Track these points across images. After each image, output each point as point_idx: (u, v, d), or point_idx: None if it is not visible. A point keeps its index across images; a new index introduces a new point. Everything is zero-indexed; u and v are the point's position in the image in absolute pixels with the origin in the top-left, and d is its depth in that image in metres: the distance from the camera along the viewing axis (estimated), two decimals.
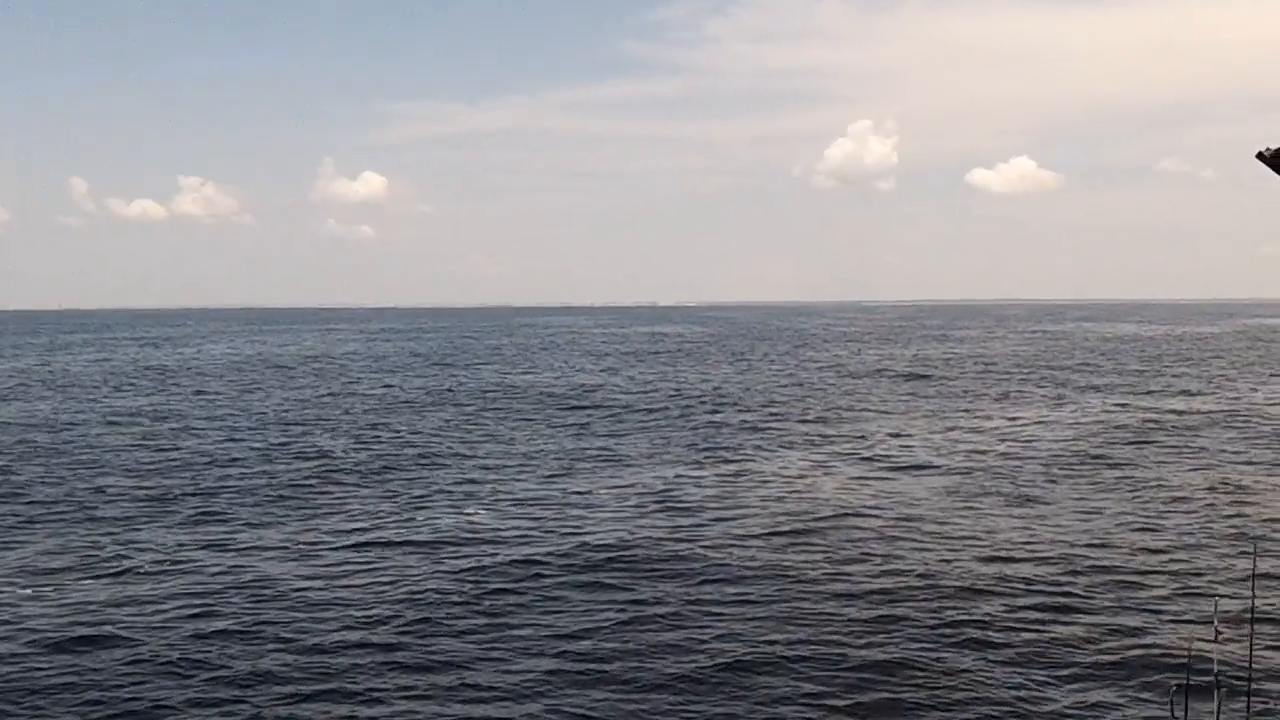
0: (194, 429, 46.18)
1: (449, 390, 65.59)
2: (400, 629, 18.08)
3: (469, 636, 17.79)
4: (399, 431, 45.11)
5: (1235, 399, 54.84)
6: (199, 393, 64.77)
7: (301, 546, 24.14)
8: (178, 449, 39.79)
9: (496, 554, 23.04)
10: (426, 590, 20.29)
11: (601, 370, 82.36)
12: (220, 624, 18.52)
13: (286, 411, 53.45)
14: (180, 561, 22.82)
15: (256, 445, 41.00)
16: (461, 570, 21.86)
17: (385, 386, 69.29)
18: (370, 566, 22.29)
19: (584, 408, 53.89)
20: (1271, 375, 70.62)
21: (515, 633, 17.94)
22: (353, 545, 24.22)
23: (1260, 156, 4.66)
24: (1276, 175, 4.58)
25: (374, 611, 18.91)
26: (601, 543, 24.03)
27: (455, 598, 19.96)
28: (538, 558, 22.65)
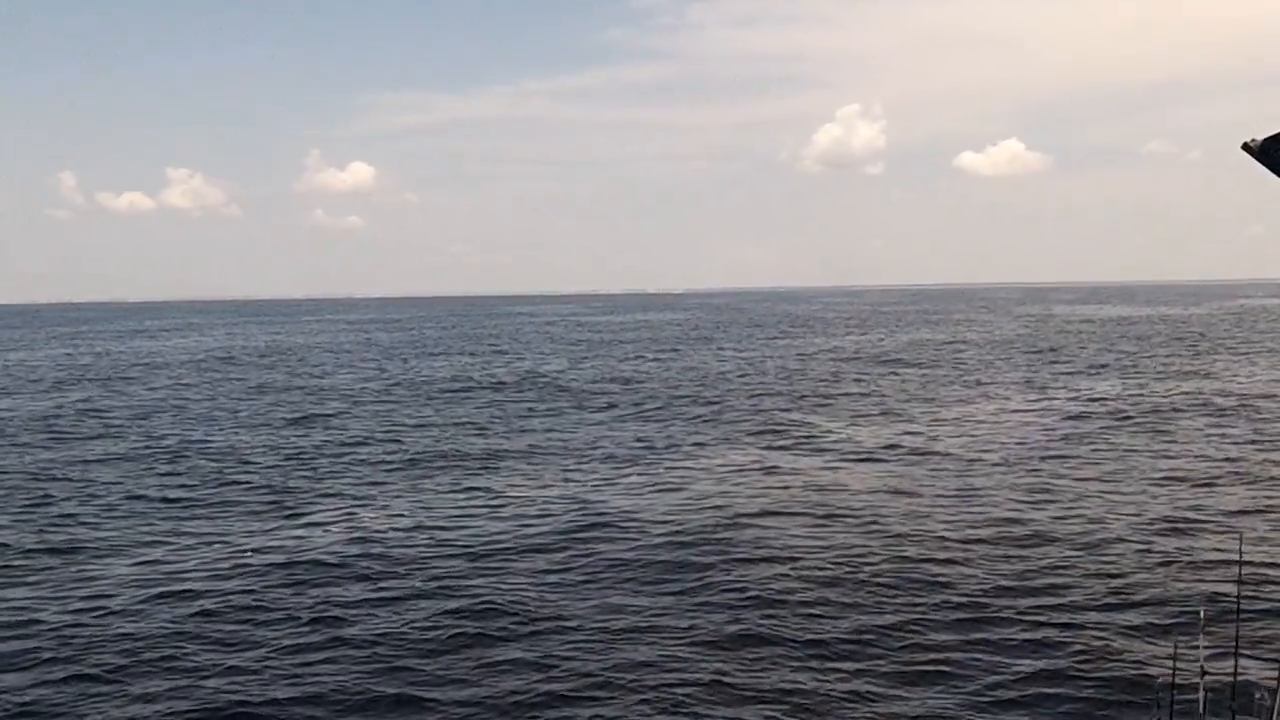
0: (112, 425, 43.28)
1: (396, 383, 62.75)
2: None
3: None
4: (321, 435, 42.19)
5: (1213, 382, 52.18)
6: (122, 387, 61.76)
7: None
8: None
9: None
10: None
11: (558, 358, 79.59)
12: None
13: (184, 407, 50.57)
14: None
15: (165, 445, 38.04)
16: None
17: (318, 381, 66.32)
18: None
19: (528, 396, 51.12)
20: (1251, 357, 67.96)
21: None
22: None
23: (1245, 147, 4.39)
24: (1263, 166, 4.28)
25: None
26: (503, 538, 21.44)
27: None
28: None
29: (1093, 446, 33.41)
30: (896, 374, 61.44)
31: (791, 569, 19.71)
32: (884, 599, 18.03)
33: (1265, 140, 4.32)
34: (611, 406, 47.63)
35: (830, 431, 38.21)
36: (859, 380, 57.96)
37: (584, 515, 24.76)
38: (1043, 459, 31.19)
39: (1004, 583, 18.73)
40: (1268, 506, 24.74)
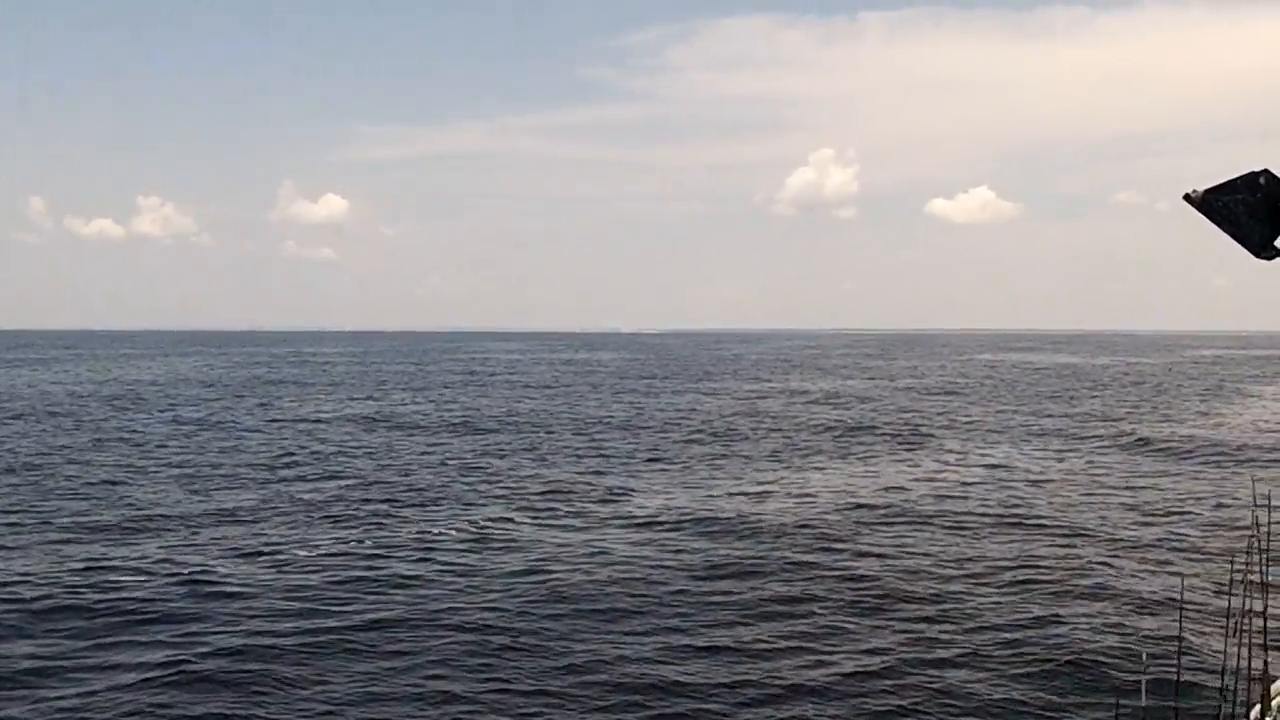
0: None
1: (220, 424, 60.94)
2: None
3: None
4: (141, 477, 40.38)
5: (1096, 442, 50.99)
6: None
7: None
8: None
9: None
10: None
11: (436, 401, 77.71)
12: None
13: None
14: None
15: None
16: None
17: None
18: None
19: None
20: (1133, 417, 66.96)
21: None
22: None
23: (1187, 198, 4.34)
24: (1204, 216, 4.22)
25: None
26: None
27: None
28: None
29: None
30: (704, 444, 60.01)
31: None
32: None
33: (1206, 191, 4.29)
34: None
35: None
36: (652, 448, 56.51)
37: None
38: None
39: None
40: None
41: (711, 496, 34.90)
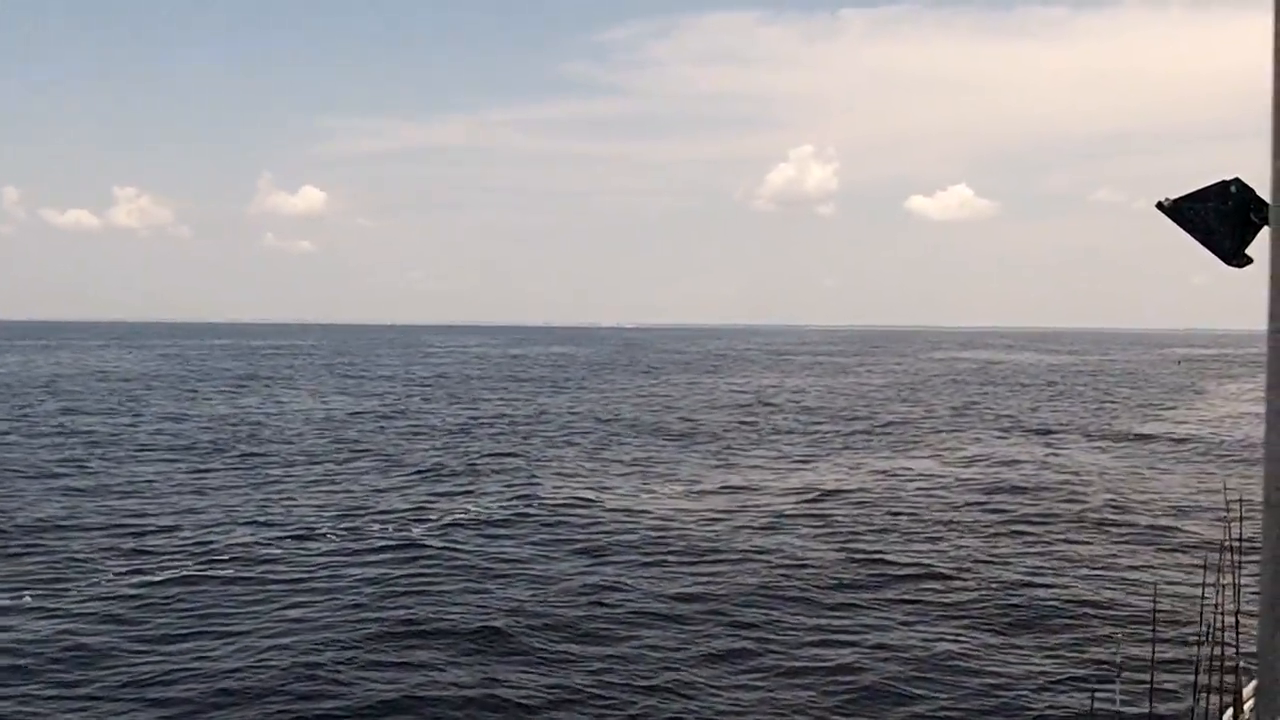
0: None
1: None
2: None
3: None
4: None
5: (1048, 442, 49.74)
6: None
7: None
8: None
9: None
10: None
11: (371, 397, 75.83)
12: None
13: None
14: None
15: None
16: None
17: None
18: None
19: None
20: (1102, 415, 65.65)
21: None
22: None
23: (1160, 206, 4.38)
24: (1176, 224, 4.31)
25: None
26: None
27: None
28: None
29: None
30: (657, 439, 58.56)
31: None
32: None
33: (1178, 200, 4.32)
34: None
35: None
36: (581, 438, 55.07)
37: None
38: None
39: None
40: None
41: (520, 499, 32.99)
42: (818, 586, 22.24)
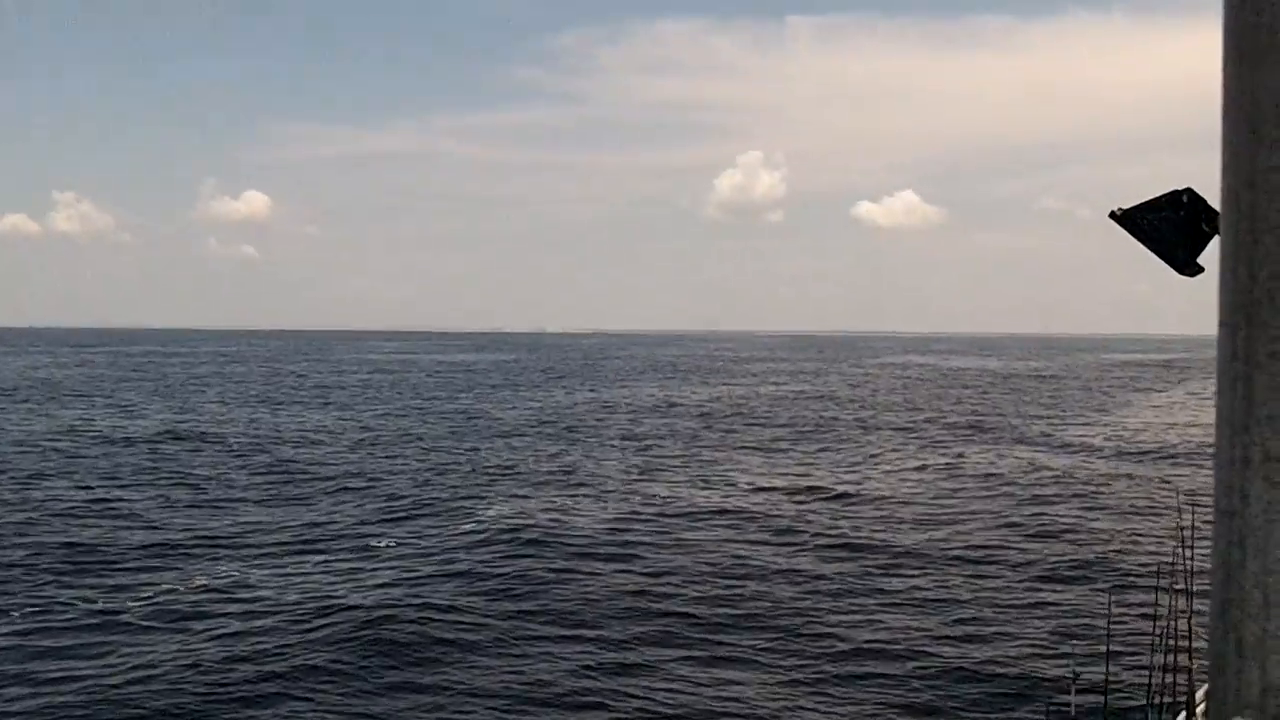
0: None
1: None
2: None
3: None
4: None
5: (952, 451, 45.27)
6: None
7: None
8: None
9: None
10: None
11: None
12: None
13: None
14: None
15: None
16: None
17: None
18: None
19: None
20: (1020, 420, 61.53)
21: None
22: None
23: (1112, 216, 4.50)
24: (1128, 233, 4.44)
25: None
26: None
27: None
28: None
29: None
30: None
31: None
32: None
33: (1130, 209, 4.45)
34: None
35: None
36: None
37: None
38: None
39: None
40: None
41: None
42: (758, 596, 21.90)
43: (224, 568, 24.55)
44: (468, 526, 28.72)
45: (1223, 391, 0.86)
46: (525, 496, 33.74)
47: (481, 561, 24.70)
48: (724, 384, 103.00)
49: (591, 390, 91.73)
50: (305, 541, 27.58)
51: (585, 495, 34.06)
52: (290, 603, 21.44)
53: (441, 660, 18.15)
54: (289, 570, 24.36)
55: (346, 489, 35.69)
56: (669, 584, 22.87)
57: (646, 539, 27.32)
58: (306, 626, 19.94)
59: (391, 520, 30.21)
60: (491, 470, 39.55)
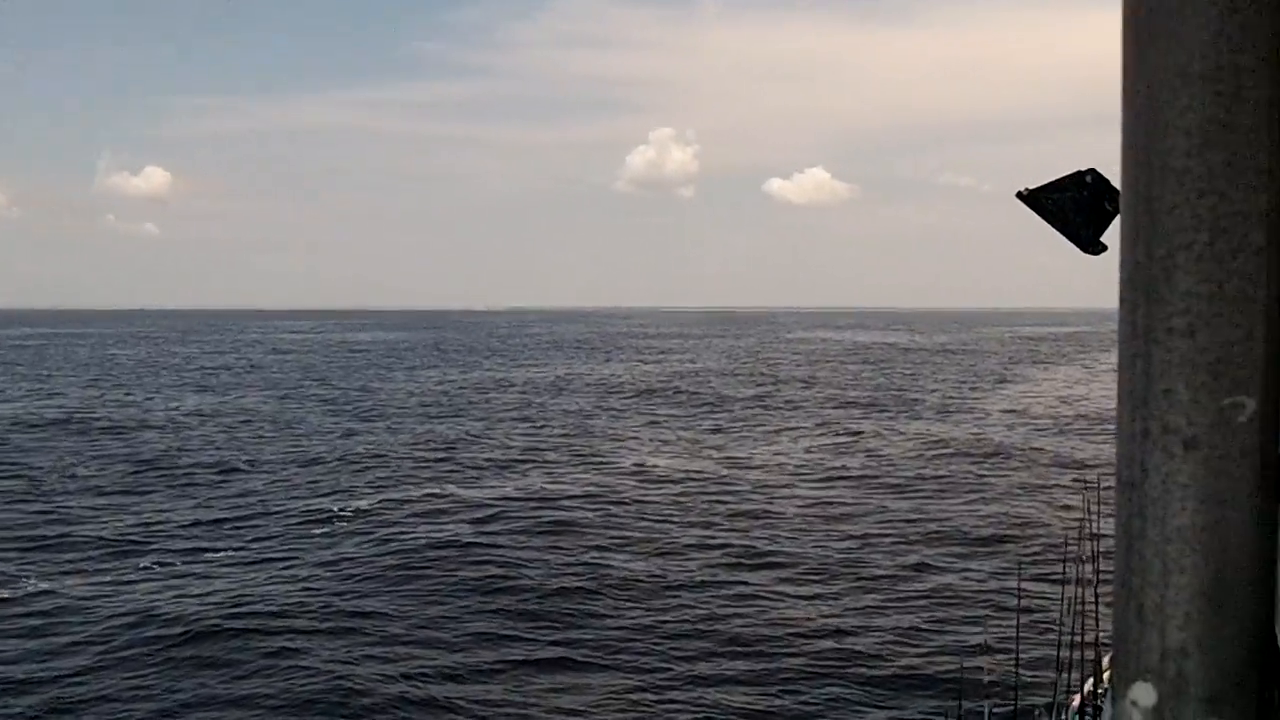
0: None
1: None
2: None
3: None
4: None
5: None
6: None
7: None
8: None
9: None
10: None
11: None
12: None
13: None
14: None
15: None
16: None
17: None
18: None
19: None
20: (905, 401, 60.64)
21: None
22: None
23: (1019, 195, 4.47)
24: (1035, 213, 4.45)
25: None
26: None
27: None
28: None
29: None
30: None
31: None
32: None
33: (1036, 189, 4.44)
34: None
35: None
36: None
37: None
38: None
39: None
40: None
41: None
42: (661, 570, 21.77)
43: (31, 573, 22.00)
44: (320, 524, 26.49)
45: (1123, 367, 0.93)
46: (390, 487, 31.46)
47: (326, 564, 22.68)
48: (628, 360, 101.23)
49: (490, 369, 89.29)
50: (133, 543, 25.06)
51: (456, 484, 31.91)
52: (100, 615, 19.21)
53: (259, 673, 16.38)
54: (107, 577, 21.88)
55: (198, 482, 33.12)
56: (527, 577, 21.37)
57: (511, 528, 25.66)
58: (112, 643, 17.78)
59: (239, 518, 27.80)
60: (360, 459, 37.10)
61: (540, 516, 26.80)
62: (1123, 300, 0.93)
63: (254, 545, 24.78)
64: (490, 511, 27.43)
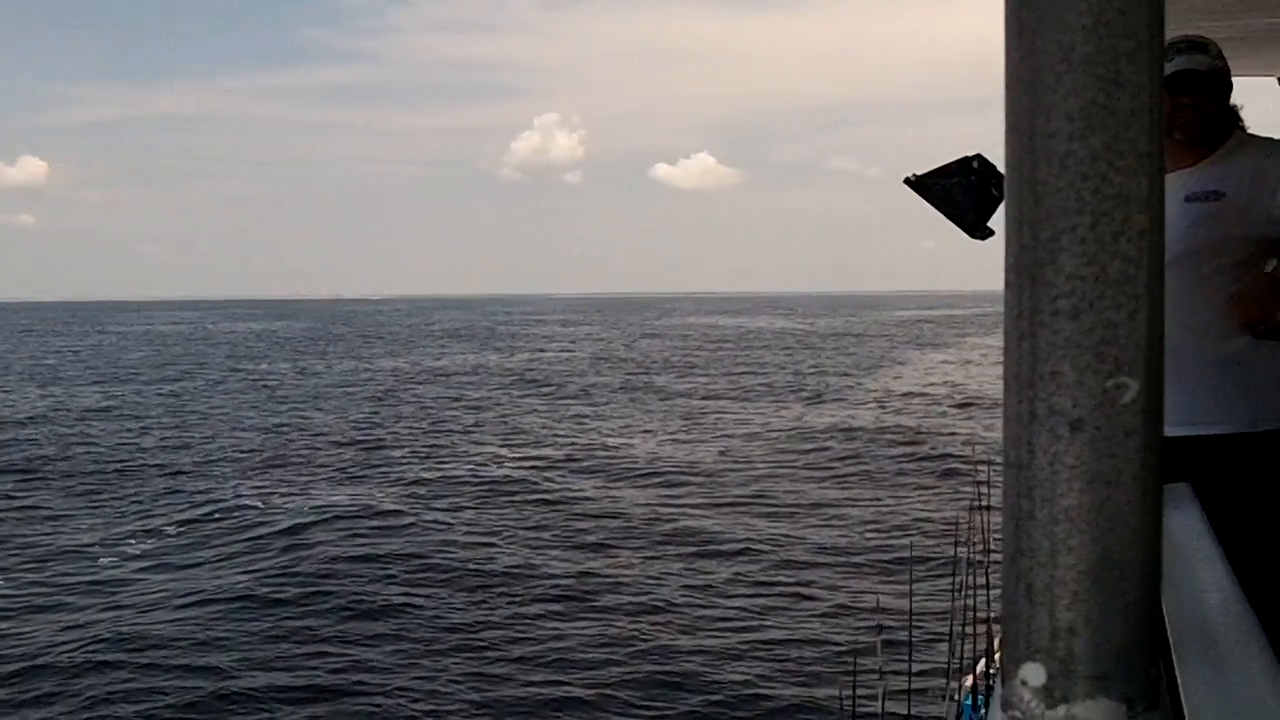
0: None
1: None
2: None
3: None
4: None
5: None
6: None
7: None
8: None
9: None
10: None
11: None
12: None
13: None
14: None
15: None
16: None
17: None
18: None
19: None
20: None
21: None
22: None
23: (906, 181, 4.56)
24: (922, 198, 4.54)
25: None
26: None
27: None
28: None
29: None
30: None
31: None
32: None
33: (923, 175, 4.53)
34: None
35: None
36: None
37: None
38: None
39: None
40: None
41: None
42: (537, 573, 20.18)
43: None
44: (107, 553, 22.97)
45: (1009, 349, 0.95)
46: (202, 502, 27.89)
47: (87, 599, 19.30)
48: (503, 350, 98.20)
49: (354, 359, 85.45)
50: None
51: (271, 490, 28.52)
52: None
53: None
54: None
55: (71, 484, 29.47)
56: (339, 585, 19.20)
57: (333, 536, 22.80)
58: None
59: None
60: (166, 469, 33.14)
61: (358, 525, 23.89)
62: (1008, 284, 0.93)
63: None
64: (311, 520, 24.42)
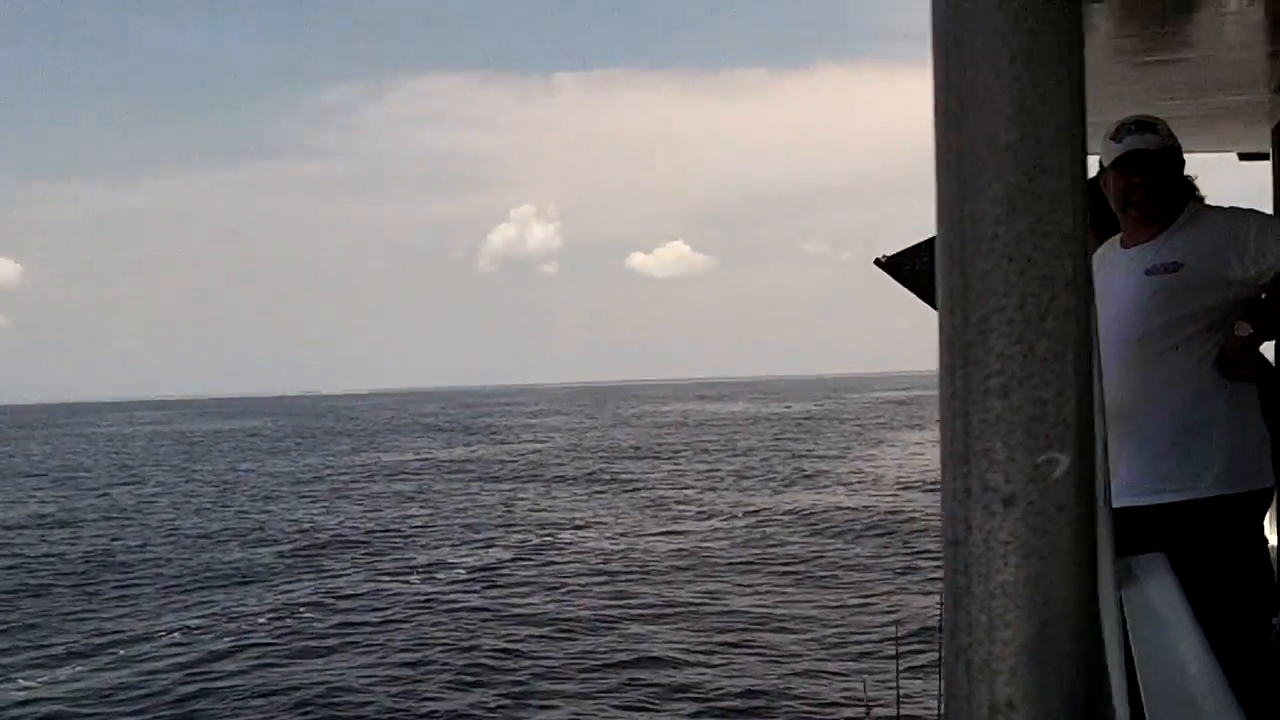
0: None
1: None
2: None
3: None
4: None
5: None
6: None
7: None
8: None
9: None
10: None
11: None
12: None
13: None
14: None
15: None
16: None
17: None
18: None
19: None
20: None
21: None
22: None
23: (877, 263, 4.81)
24: (893, 279, 4.67)
25: None
26: None
27: None
28: None
29: None
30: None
31: None
32: None
33: (893, 256, 4.63)
34: None
35: None
36: None
37: None
38: None
39: None
40: None
41: None
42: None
43: None
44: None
45: (944, 427, 0.94)
46: (144, 616, 25.75)
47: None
48: (474, 443, 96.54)
49: (318, 457, 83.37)
50: None
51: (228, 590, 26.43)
52: None
53: None
54: None
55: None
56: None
57: (274, 657, 20.69)
58: None
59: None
60: (84, 587, 30.97)
61: (272, 650, 21.84)
62: (942, 364, 0.92)
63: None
64: (228, 647, 22.36)
